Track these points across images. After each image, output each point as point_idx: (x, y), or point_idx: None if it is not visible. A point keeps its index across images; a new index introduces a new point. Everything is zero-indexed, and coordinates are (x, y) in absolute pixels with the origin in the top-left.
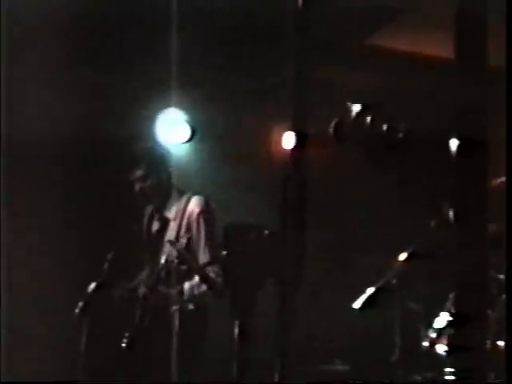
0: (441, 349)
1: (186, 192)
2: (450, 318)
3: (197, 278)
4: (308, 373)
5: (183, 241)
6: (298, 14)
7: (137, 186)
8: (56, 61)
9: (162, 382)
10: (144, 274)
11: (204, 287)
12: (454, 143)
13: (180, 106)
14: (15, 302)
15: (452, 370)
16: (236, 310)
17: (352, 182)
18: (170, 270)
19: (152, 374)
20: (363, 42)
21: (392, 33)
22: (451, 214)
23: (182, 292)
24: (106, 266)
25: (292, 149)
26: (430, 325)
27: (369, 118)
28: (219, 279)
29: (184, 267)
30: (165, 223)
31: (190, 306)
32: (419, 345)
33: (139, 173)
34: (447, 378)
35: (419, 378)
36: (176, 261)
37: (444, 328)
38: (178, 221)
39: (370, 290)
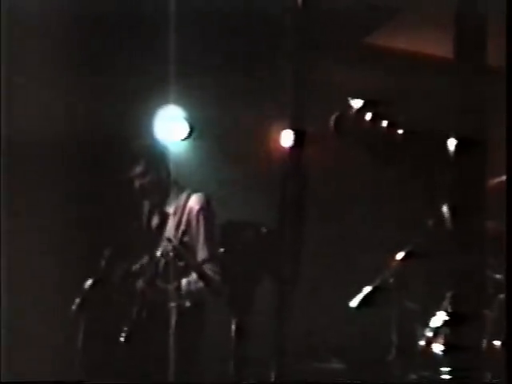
0: (437, 348)
1: (186, 188)
2: (447, 318)
3: (194, 275)
4: (304, 371)
5: (180, 235)
6: (296, 14)
7: (136, 183)
8: (56, 61)
9: (160, 380)
10: (142, 268)
11: (201, 283)
12: (452, 142)
13: (178, 103)
14: (15, 302)
15: (448, 369)
16: (233, 307)
17: (350, 180)
18: (168, 262)
19: (149, 371)
20: (362, 41)
21: (391, 32)
22: (449, 213)
23: (179, 287)
24: (102, 262)
25: (290, 147)
26: (426, 324)
27: (369, 115)
28: (217, 277)
29: (181, 263)
30: (164, 219)
31: (187, 303)
32: (416, 344)
33: (139, 169)
34: (443, 377)
35: (415, 377)
36: (172, 254)
37: (441, 327)
38: (177, 217)
39: (367, 289)
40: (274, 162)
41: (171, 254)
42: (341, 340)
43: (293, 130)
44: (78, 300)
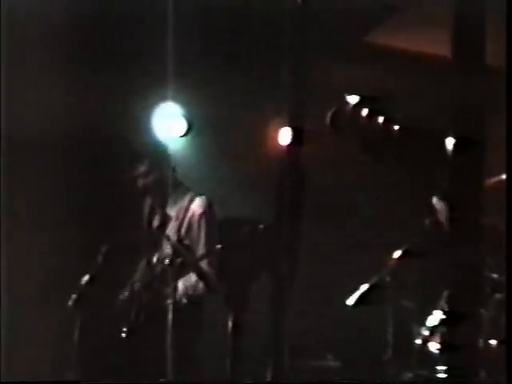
0: (433, 347)
1: (190, 190)
2: (443, 316)
3: (192, 278)
4: (301, 368)
5: (180, 237)
6: (296, 12)
7: (139, 182)
8: (56, 61)
9: (158, 379)
10: (140, 270)
11: (199, 287)
12: (450, 142)
13: (177, 100)
14: (15, 302)
15: (444, 367)
16: (230, 304)
17: (348, 178)
18: (166, 263)
19: (147, 370)
20: (361, 40)
21: (390, 31)
22: (446, 212)
23: (175, 289)
24: (99, 258)
25: (288, 144)
26: (423, 323)
27: (365, 111)
28: (213, 274)
29: (179, 259)
30: (166, 220)
31: (184, 300)
32: (412, 343)
33: (142, 169)
34: (440, 375)
35: (412, 376)
36: (171, 256)
37: (437, 326)
38: (179, 219)
39: (364, 287)
40: (272, 160)
41: (172, 255)
42: (337, 338)
43: (291, 127)
44: (74, 296)
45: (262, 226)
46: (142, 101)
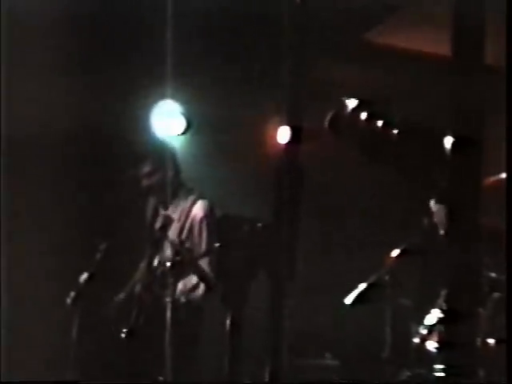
0: (431, 345)
1: (192, 191)
2: (441, 315)
3: (192, 280)
4: (299, 367)
5: (182, 239)
6: (295, 11)
7: (143, 183)
8: (56, 61)
9: (157, 378)
10: (141, 270)
11: (199, 288)
12: (449, 141)
13: (176, 98)
14: (15, 302)
15: (442, 366)
16: (228, 303)
17: (346, 176)
18: (168, 266)
19: (146, 369)
20: (361, 39)
21: (390, 30)
22: (443, 215)
23: (175, 290)
24: (98, 255)
25: (287, 143)
26: (421, 321)
27: (364, 114)
28: (211, 272)
29: (178, 258)
30: (167, 221)
31: (183, 299)
32: (410, 341)
33: (146, 169)
34: (437, 374)
35: (409, 374)
36: (172, 258)
37: (435, 325)
38: (181, 221)
39: (362, 286)
40: (271, 158)
41: (171, 258)
42: (335, 337)
43: (289, 126)
44: (72, 293)
45: (260, 225)
46: (142, 100)
